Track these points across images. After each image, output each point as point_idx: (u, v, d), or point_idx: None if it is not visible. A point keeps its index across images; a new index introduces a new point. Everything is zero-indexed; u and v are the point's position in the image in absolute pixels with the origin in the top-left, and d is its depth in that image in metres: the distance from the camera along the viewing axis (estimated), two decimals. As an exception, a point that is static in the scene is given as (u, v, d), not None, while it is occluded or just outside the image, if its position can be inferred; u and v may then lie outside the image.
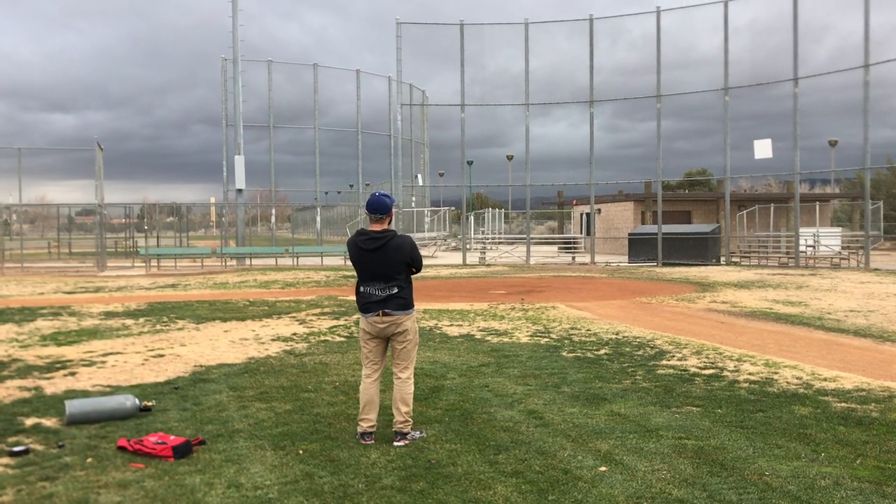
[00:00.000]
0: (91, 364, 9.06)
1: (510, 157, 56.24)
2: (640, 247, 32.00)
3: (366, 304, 5.84)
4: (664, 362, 8.98)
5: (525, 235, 35.89)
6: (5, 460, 5.35)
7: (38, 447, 5.66)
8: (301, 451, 5.52)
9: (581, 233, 44.03)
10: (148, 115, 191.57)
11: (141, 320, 13.24)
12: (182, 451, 5.39)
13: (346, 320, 13.08)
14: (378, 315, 5.79)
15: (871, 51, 26.18)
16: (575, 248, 39.29)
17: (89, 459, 5.36)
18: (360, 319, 5.96)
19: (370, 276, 5.82)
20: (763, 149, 29.16)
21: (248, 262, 32.80)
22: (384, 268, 5.77)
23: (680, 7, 31.23)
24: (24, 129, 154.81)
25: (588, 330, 11.77)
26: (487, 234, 48.29)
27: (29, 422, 6.38)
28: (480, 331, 11.72)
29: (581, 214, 45.80)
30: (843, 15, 30.09)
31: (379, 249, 5.75)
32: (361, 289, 5.89)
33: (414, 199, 42.07)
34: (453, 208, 50.14)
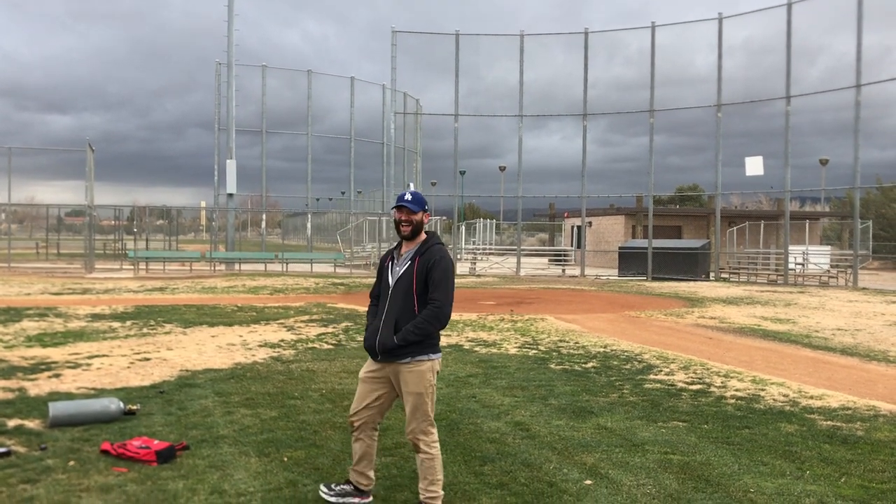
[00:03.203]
0: (76, 366, 9.00)
1: (503, 168, 56.43)
2: (630, 261, 32.11)
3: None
4: (651, 377, 8.99)
5: (516, 247, 35.95)
6: (-14, 462, 5.29)
7: (21, 449, 5.60)
8: (285, 459, 5.49)
9: (572, 245, 44.13)
10: (144, 117, 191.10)
11: (128, 323, 13.16)
12: (165, 456, 5.35)
13: (334, 328, 13.03)
14: None
15: (862, 71, 26.48)
16: (565, 260, 39.36)
17: (71, 462, 5.31)
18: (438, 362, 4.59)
19: None
20: (754, 166, 29.38)
21: (237, 267, 32.70)
22: None
23: (675, 23, 31.55)
24: (19, 128, 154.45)
25: (576, 343, 11.78)
26: (478, 244, 48.29)
27: (11, 423, 6.32)
28: (469, 341, 11.70)
29: (572, 227, 45.93)
30: (836, 36, 30.53)
31: None
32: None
33: (405, 207, 42.02)
34: (445, 218, 50.18)
